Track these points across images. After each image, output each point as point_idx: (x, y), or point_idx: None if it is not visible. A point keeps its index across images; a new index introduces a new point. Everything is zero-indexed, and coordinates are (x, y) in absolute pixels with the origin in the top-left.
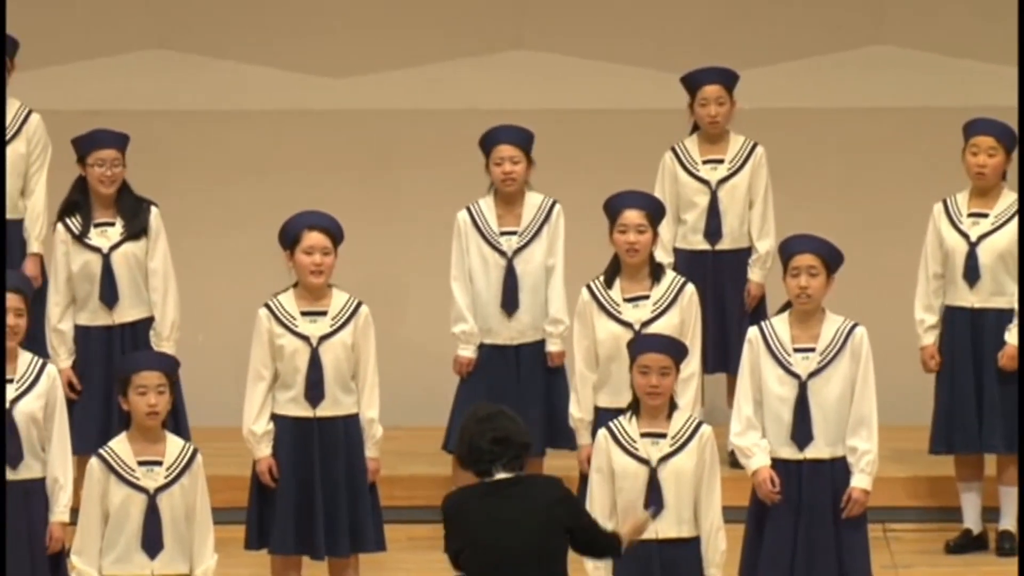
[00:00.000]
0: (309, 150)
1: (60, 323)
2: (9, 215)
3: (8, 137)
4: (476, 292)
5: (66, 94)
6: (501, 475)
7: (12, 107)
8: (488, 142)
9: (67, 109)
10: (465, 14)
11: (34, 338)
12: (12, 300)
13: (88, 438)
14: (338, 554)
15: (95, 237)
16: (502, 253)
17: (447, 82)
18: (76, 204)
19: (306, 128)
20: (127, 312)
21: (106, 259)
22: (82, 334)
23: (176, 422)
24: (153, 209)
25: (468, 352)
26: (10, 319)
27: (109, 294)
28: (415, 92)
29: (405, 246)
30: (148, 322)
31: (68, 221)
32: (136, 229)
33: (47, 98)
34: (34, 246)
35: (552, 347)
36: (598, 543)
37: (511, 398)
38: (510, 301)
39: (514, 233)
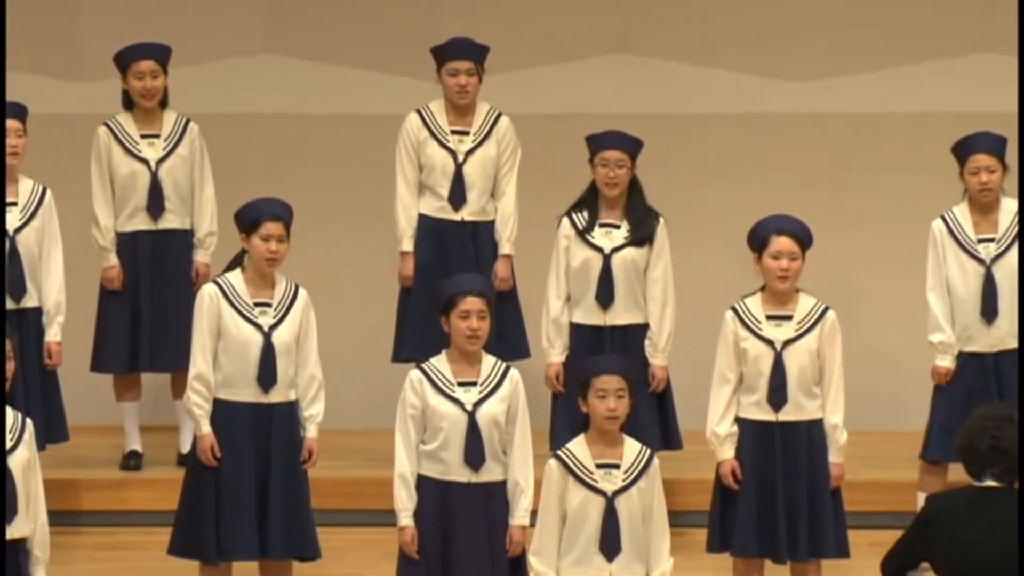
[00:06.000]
0: (772, 153)
1: (561, 316)
2: (476, 217)
3: (479, 140)
4: (955, 300)
5: (534, 98)
6: (990, 483)
7: (481, 111)
8: (964, 150)
9: (535, 112)
10: (930, 17)
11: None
12: (476, 303)
13: (568, 438)
14: (799, 558)
15: (598, 236)
16: (980, 261)
17: (911, 85)
18: (585, 202)
19: (770, 131)
20: (620, 315)
21: (606, 259)
22: (574, 331)
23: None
24: (661, 220)
25: (946, 362)
26: (473, 322)
27: (605, 294)
28: (879, 95)
29: (865, 250)
30: (638, 328)
31: (574, 217)
32: (641, 236)
33: (516, 102)
34: (505, 248)
35: None
36: None
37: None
38: (990, 309)
39: (992, 240)
